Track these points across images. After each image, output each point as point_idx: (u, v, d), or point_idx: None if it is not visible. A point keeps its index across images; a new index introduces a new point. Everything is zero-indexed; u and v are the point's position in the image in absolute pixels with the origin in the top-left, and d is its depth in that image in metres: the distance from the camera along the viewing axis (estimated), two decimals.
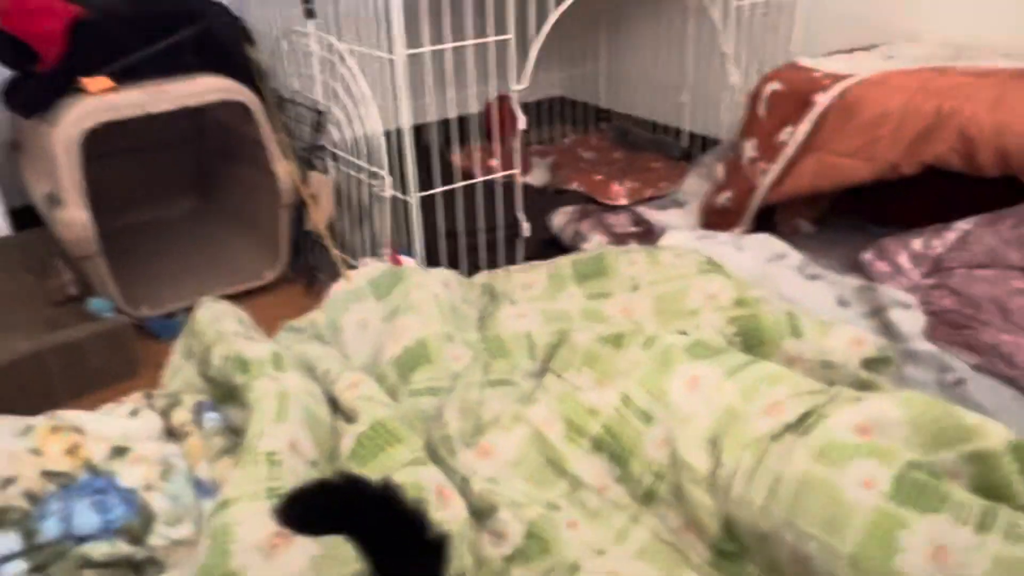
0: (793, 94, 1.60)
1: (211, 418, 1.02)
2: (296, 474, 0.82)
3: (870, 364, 1.10)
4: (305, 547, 0.76)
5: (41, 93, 1.53)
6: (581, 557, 0.95)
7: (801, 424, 0.95)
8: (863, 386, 1.08)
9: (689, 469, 0.95)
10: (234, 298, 1.71)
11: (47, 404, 1.39)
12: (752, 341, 1.12)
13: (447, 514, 0.85)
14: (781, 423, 0.95)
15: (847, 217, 1.88)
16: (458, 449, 1.06)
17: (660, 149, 2.36)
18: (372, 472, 0.87)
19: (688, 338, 1.09)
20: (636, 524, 0.99)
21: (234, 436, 1.02)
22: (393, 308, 1.24)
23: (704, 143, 2.28)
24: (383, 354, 1.17)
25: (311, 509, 0.56)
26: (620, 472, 1.01)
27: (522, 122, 1.57)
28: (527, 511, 0.99)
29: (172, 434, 1.05)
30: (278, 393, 0.93)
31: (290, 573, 0.74)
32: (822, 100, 1.54)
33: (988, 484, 0.85)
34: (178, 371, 1.21)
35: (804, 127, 1.56)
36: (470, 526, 0.86)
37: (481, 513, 0.98)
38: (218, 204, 2.06)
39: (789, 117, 1.60)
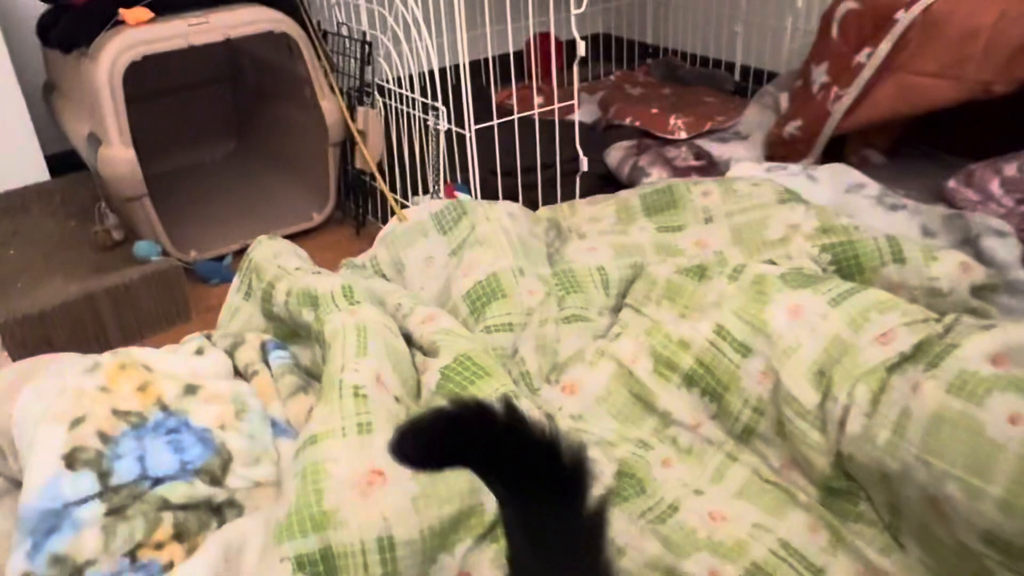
0: (871, 12, 1.50)
1: (280, 356, 0.97)
2: (386, 408, 0.77)
3: (977, 291, 1.02)
4: (403, 485, 0.70)
5: (79, 26, 1.46)
6: (679, 497, 0.89)
7: (919, 354, 0.88)
8: (974, 314, 1.01)
9: (795, 403, 0.89)
10: None
11: (100, 348, 1.35)
12: (850, 269, 1.04)
13: None
14: (896, 352, 0.88)
15: (916, 146, 1.79)
16: (539, 385, 1.00)
17: (712, 83, 2.25)
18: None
19: (781, 268, 1.02)
20: (734, 462, 0.93)
21: (305, 375, 0.97)
22: (460, 242, 1.18)
23: (758, 76, 2.18)
24: (453, 289, 1.11)
25: (432, 441, 0.50)
26: (715, 408, 0.95)
27: (581, 48, 1.48)
28: (617, 449, 0.94)
29: (239, 374, 1.00)
30: (356, 326, 0.87)
31: (389, 512, 0.68)
32: (904, 17, 1.43)
33: None
34: (236, 312, 1.16)
35: (884, 47, 1.46)
36: None
37: None
38: (259, 145, 2.00)
39: (867, 38, 1.50)
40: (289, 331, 1.08)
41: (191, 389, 0.85)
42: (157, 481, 0.76)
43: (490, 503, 0.73)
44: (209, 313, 1.42)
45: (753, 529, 0.85)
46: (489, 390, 0.82)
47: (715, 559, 0.82)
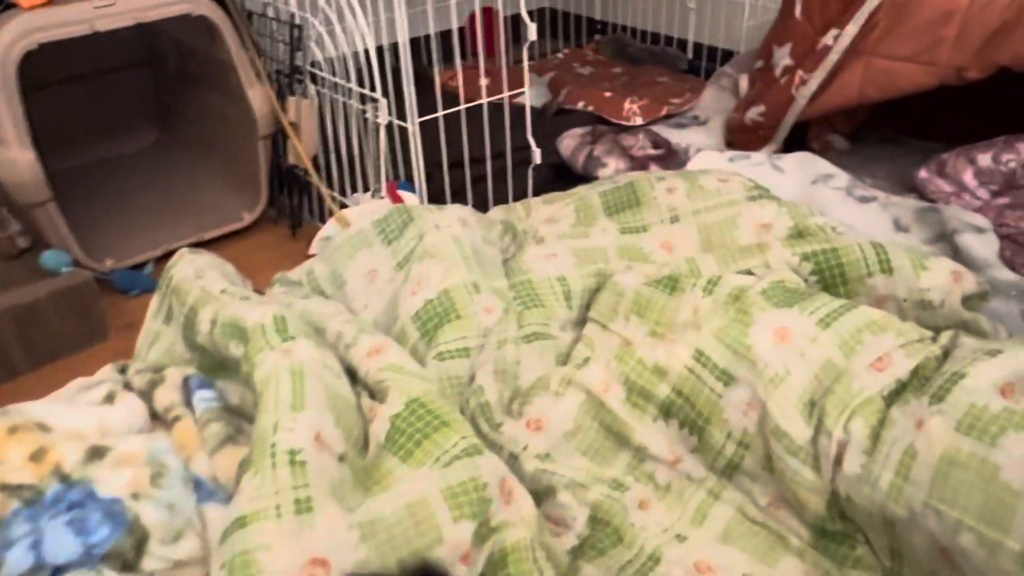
0: None
1: (205, 398, 0.85)
2: (328, 477, 0.66)
3: (966, 301, 0.95)
4: None
5: None
6: (660, 545, 0.81)
7: (916, 380, 0.80)
8: (967, 329, 0.94)
9: (785, 438, 0.81)
10: (209, 243, 1.52)
11: (4, 377, 1.21)
12: (833, 280, 0.96)
13: (512, 514, 0.70)
14: (893, 379, 0.80)
15: (879, 129, 1.72)
16: (500, 419, 0.90)
17: (664, 62, 2.16)
18: (419, 465, 0.70)
19: (763, 280, 0.93)
20: (716, 501, 0.85)
21: (235, 417, 0.85)
22: (407, 253, 1.07)
23: (712, 54, 2.09)
24: (400, 308, 0.99)
25: None
26: (696, 441, 0.87)
27: (532, 32, 1.37)
28: (589, 492, 0.84)
29: (157, 418, 0.87)
30: (290, 370, 0.75)
31: None
32: None
33: None
34: (156, 338, 1.03)
35: (852, 28, 1.38)
36: (542, 526, 0.71)
37: (536, 497, 0.83)
38: (184, 137, 1.84)
39: (833, 18, 1.42)
40: (216, 362, 0.95)
41: (97, 452, 0.73)
42: (57, 571, 0.64)
43: None
44: (129, 330, 1.29)
45: None
46: (447, 444, 0.72)
47: None
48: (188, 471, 0.77)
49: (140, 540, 0.68)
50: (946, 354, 0.82)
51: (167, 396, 0.87)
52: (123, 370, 0.98)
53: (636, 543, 0.81)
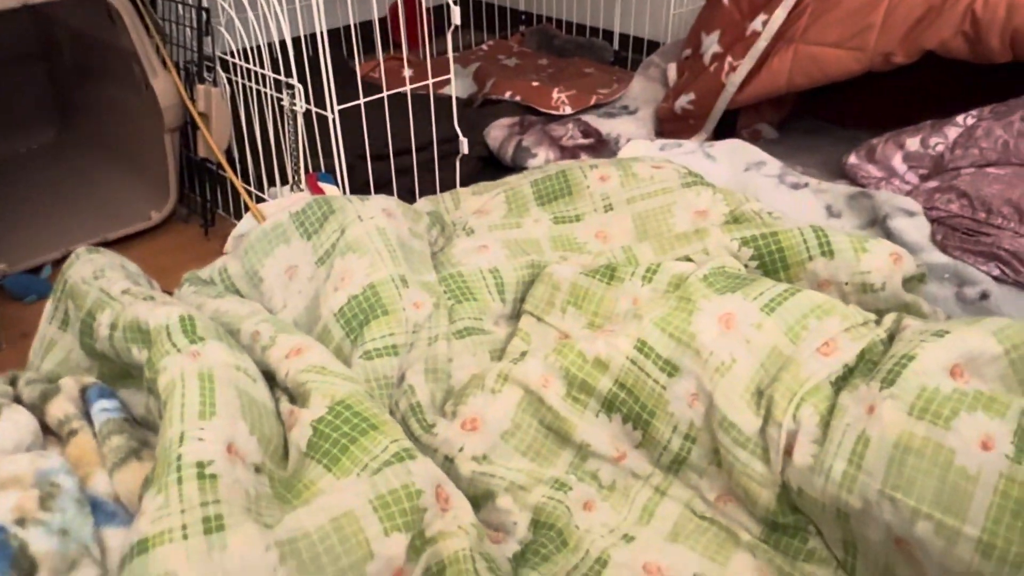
0: None
1: (105, 408, 0.77)
2: (243, 491, 0.59)
3: (906, 283, 0.94)
4: None
5: None
6: (606, 548, 0.76)
7: (863, 364, 0.78)
8: (907, 311, 0.92)
9: (732, 429, 0.77)
10: (114, 244, 1.41)
11: None
12: (774, 264, 0.93)
13: (449, 523, 0.64)
14: (840, 364, 0.78)
15: (806, 119, 1.72)
16: (433, 420, 0.84)
17: (590, 53, 2.13)
18: (345, 474, 0.64)
19: (703, 267, 0.90)
20: (663, 497, 0.81)
21: (140, 430, 0.77)
22: (329, 247, 0.99)
23: (638, 45, 2.07)
24: (322, 307, 0.93)
25: None
26: (640, 436, 0.82)
27: (456, 15, 1.31)
28: (531, 495, 0.79)
29: (50, 433, 0.79)
30: (199, 374, 0.68)
31: None
32: None
33: None
34: (51, 346, 0.94)
35: (779, 14, 1.36)
36: (482, 535, 0.65)
37: (475, 502, 0.78)
38: (85, 133, 1.72)
39: (761, 4, 1.41)
40: (118, 370, 0.87)
41: None
42: None
43: None
44: (24, 340, 1.18)
45: None
46: (376, 449, 0.65)
47: None
48: (84, 492, 0.69)
49: (28, 572, 0.60)
50: (891, 337, 0.80)
51: (61, 408, 0.78)
52: (13, 382, 0.88)
53: (582, 546, 0.76)
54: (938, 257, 1.11)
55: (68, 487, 0.66)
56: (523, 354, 0.87)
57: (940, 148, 1.25)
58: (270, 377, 0.81)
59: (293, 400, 0.75)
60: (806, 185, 1.32)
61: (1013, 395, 0.70)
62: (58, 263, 1.34)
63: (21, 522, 0.62)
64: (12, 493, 0.64)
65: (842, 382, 0.76)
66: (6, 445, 0.69)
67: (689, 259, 0.97)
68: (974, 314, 1.07)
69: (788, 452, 0.74)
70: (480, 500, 0.78)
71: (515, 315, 1.04)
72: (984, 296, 1.08)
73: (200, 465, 0.59)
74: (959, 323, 0.75)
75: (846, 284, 0.91)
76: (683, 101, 1.53)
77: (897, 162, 1.29)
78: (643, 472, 0.82)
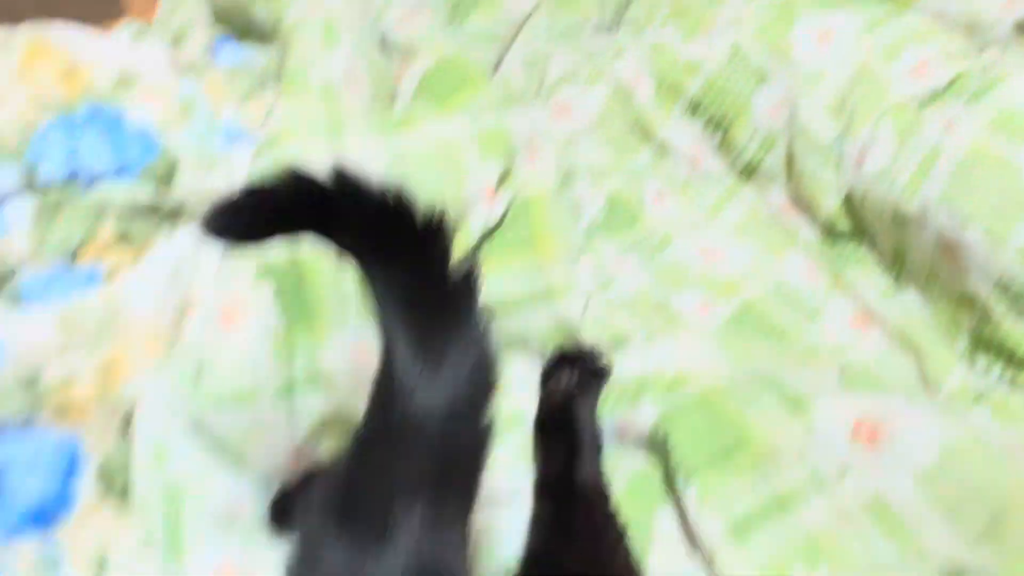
0: None
1: (233, 52, 0.84)
2: (358, 111, 0.66)
3: (1020, 28, 0.91)
4: None
5: None
6: (672, 231, 0.83)
7: (953, 89, 0.79)
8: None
9: (809, 136, 0.81)
10: None
11: None
12: None
13: (534, 172, 0.71)
14: (929, 88, 0.79)
15: None
16: (527, 104, 0.90)
17: None
18: (451, 111, 0.70)
19: None
20: (733, 199, 0.87)
21: (262, 78, 0.84)
22: None
23: None
24: None
25: (250, 215, 0.40)
26: (719, 139, 0.87)
27: None
28: (608, 180, 0.86)
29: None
30: (324, 21, 0.74)
31: None
32: None
33: None
34: (178, 4, 1.00)
35: None
36: (564, 184, 0.72)
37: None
38: None
39: None
40: (244, 27, 0.93)
41: (127, 80, 0.72)
42: (93, 181, 0.67)
43: (476, 221, 0.66)
44: (149, 10, 1.25)
45: (748, 269, 0.80)
46: (479, 96, 0.72)
47: (706, 295, 0.78)
48: (216, 119, 0.77)
49: (172, 164, 0.70)
50: (987, 67, 0.80)
51: (193, 50, 0.86)
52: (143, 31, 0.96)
53: (649, 226, 0.83)
54: None
55: (204, 107, 0.75)
56: (619, 53, 0.90)
57: None
58: (381, 43, 0.86)
59: (403, 56, 0.81)
60: None
61: None
62: None
63: (166, 126, 0.71)
64: (158, 102, 0.73)
65: (929, 103, 0.78)
66: (149, 66, 0.77)
67: None
68: None
69: (859, 162, 0.78)
70: (563, 178, 0.85)
71: (615, 26, 1.05)
72: None
73: (326, 83, 0.66)
74: None
75: (953, 18, 0.89)
76: None
77: None
78: (717, 174, 0.88)
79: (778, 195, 0.86)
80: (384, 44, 0.84)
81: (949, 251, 0.72)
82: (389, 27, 0.84)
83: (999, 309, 0.69)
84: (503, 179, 0.68)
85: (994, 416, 0.69)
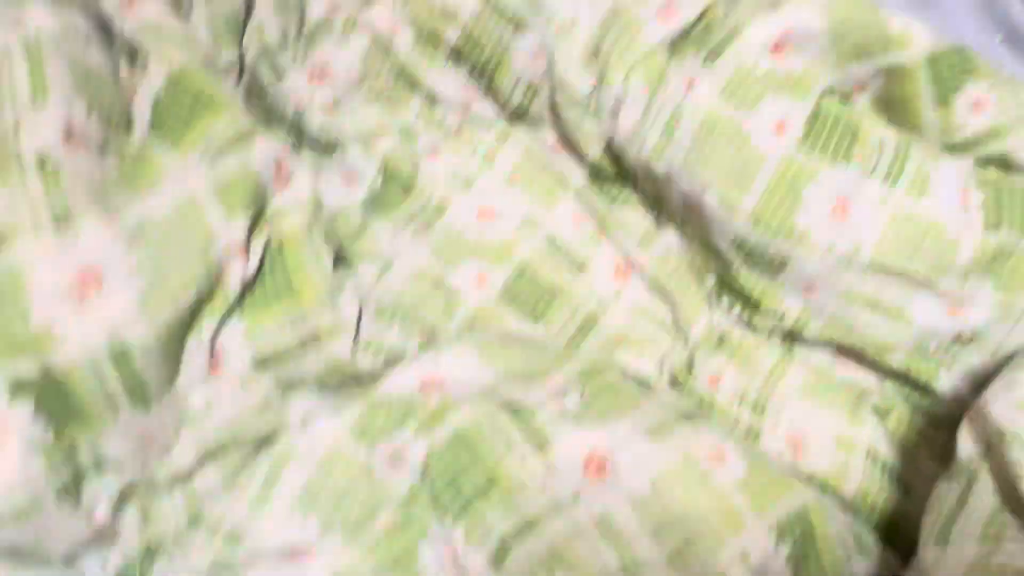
0: None
1: None
2: (85, 180, 0.63)
3: None
4: (127, 283, 0.61)
5: None
6: (447, 194, 0.85)
7: (702, 31, 0.79)
8: None
9: (568, 89, 0.81)
10: None
11: None
12: None
13: (288, 199, 0.70)
14: (678, 27, 0.79)
15: None
16: (283, 65, 0.85)
17: None
18: (190, 148, 0.68)
19: None
20: (507, 141, 0.88)
21: None
22: None
23: None
24: None
25: None
26: (485, 86, 0.86)
27: None
28: (380, 141, 0.85)
29: None
30: (25, 47, 0.66)
31: (115, 317, 0.61)
32: None
33: (892, 98, 0.77)
34: None
35: None
36: (317, 209, 0.72)
37: (326, 151, 0.84)
38: None
39: None
40: None
41: None
42: None
43: (234, 278, 0.66)
44: None
45: (521, 226, 0.84)
46: (217, 127, 0.68)
47: (482, 263, 0.82)
48: None
49: None
50: None
51: None
52: None
53: (425, 191, 0.85)
54: None
55: None
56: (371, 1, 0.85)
57: None
58: (106, 27, 0.78)
59: (132, 62, 0.75)
60: None
61: (822, 73, 0.75)
62: None
63: None
64: None
65: (676, 50, 0.79)
66: None
67: None
68: None
69: (615, 113, 0.80)
70: (330, 148, 0.84)
71: None
72: None
73: (41, 158, 0.62)
74: None
75: None
76: None
77: None
78: (487, 119, 0.88)
79: (549, 135, 0.87)
80: (110, 38, 0.76)
81: (694, 209, 0.77)
82: (112, 12, 0.76)
83: (736, 262, 0.77)
84: (254, 224, 0.68)
85: (730, 358, 0.79)
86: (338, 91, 0.84)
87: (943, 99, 0.75)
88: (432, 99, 0.87)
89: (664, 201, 0.82)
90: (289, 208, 0.69)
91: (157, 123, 0.70)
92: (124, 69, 0.75)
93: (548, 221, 0.84)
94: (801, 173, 0.71)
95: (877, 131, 0.73)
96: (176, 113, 0.70)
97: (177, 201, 0.64)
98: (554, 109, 0.84)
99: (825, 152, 0.71)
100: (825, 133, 0.72)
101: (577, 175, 0.86)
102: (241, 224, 0.66)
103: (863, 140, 0.72)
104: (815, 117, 0.72)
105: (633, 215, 0.85)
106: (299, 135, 0.87)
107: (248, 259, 0.66)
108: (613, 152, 0.83)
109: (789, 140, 0.72)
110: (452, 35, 0.83)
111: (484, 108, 0.87)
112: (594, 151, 0.84)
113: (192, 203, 0.65)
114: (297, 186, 0.71)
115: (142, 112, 0.71)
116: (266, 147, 0.69)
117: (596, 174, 0.86)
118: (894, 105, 0.77)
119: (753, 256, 0.75)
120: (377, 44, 0.84)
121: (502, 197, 0.85)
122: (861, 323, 0.74)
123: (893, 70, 0.75)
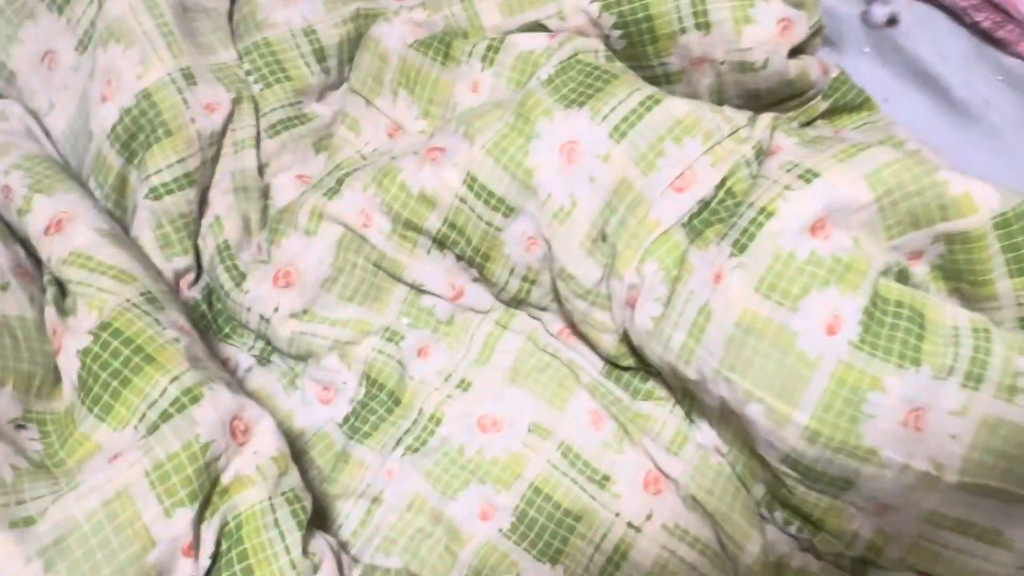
0: None
1: None
2: (36, 492, 0.52)
3: (793, 52, 0.78)
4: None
5: None
6: (441, 402, 0.73)
7: (725, 198, 0.68)
8: (791, 88, 0.79)
9: (572, 281, 0.70)
10: None
11: None
12: (640, 38, 0.76)
13: (247, 461, 0.58)
14: (696, 200, 0.68)
15: None
16: (244, 267, 0.74)
17: None
18: (122, 424, 0.56)
19: (553, 58, 0.73)
20: (506, 331, 0.76)
21: None
22: (86, 27, 0.78)
23: None
24: (92, 122, 0.75)
25: None
26: (477, 274, 0.75)
27: None
28: (359, 348, 0.74)
29: None
30: None
31: None
32: None
33: (957, 267, 0.65)
34: None
35: None
36: (286, 466, 0.60)
37: (297, 358, 0.73)
38: None
39: None
40: None
41: None
42: None
43: None
44: None
45: (529, 436, 0.71)
46: (154, 392, 0.57)
47: (487, 489, 0.69)
48: None
49: None
50: (759, 153, 0.69)
51: None
52: None
53: (415, 404, 0.73)
54: None
55: None
56: (339, 182, 0.74)
57: None
58: (35, 254, 0.68)
59: (62, 295, 0.64)
60: None
61: (874, 250, 0.63)
62: None
63: None
64: None
65: (696, 225, 0.67)
66: None
67: (542, 26, 0.78)
68: (878, 42, 0.94)
69: (631, 305, 0.68)
70: (304, 357, 0.73)
71: (341, 81, 0.87)
72: (892, 21, 0.93)
73: None
74: (832, 155, 0.64)
75: (722, 63, 0.76)
76: None
77: None
78: (483, 307, 0.76)
79: (554, 322, 0.76)
80: (37, 272, 0.65)
81: (735, 416, 0.65)
82: (38, 239, 0.65)
83: (789, 481, 0.64)
84: (205, 506, 0.55)
85: None
86: (307, 295, 0.73)
87: (1020, 267, 0.63)
88: (418, 289, 0.75)
89: (696, 397, 0.69)
90: (248, 476, 0.57)
91: (85, 385, 0.58)
92: (51, 316, 0.63)
93: (561, 425, 0.72)
94: (862, 380, 0.59)
95: (947, 316, 0.61)
96: (105, 380, 0.58)
97: (105, 497, 0.53)
98: (558, 298, 0.72)
99: (889, 353, 0.59)
100: (886, 330, 0.59)
101: (590, 365, 0.74)
102: (185, 515, 0.53)
103: (932, 331, 0.60)
104: (872, 310, 0.60)
105: (659, 411, 0.72)
106: (267, 342, 0.76)
107: (198, 558, 0.54)
108: (632, 344, 0.71)
109: (843, 341, 0.59)
110: (434, 223, 0.72)
111: (477, 294, 0.76)
112: (608, 342, 0.72)
113: (123, 497, 0.53)
114: (260, 438, 0.59)
115: (69, 370, 0.60)
116: (213, 408, 0.57)
117: (613, 365, 0.74)
118: (960, 275, 0.65)
119: (812, 473, 0.62)
120: (348, 235, 0.73)
121: (504, 401, 0.73)
122: (951, 550, 0.61)
123: (954, 236, 0.63)
